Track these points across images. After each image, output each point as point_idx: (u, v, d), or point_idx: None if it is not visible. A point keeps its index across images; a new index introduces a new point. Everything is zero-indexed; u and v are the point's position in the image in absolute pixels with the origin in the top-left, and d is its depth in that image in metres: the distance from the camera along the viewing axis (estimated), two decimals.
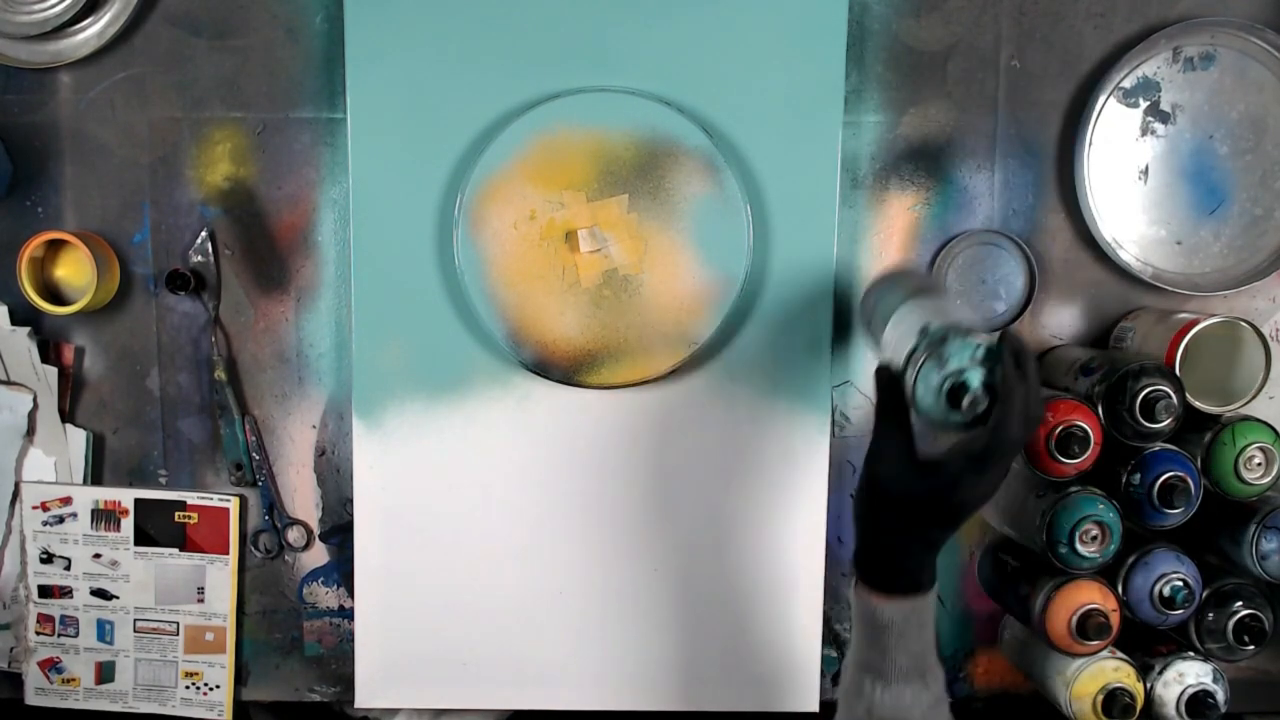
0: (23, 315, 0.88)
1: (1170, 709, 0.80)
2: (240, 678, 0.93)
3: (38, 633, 0.91)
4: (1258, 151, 0.87)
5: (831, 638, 0.92)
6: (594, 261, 0.83)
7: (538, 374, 0.84)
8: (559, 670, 0.89)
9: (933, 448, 0.64)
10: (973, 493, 0.63)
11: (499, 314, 0.84)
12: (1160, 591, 0.78)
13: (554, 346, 0.84)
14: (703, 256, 0.82)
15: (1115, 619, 0.78)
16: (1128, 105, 0.87)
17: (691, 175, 0.83)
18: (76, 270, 0.87)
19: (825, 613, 0.90)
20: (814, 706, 0.89)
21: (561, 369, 0.84)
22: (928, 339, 0.64)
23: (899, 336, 0.68)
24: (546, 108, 0.82)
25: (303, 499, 0.92)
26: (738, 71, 0.84)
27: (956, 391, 0.61)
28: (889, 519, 0.65)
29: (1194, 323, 0.79)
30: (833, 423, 0.89)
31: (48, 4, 0.85)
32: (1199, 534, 0.82)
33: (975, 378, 0.61)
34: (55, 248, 0.87)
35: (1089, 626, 0.77)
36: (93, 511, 0.90)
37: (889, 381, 0.67)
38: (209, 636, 0.92)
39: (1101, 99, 0.86)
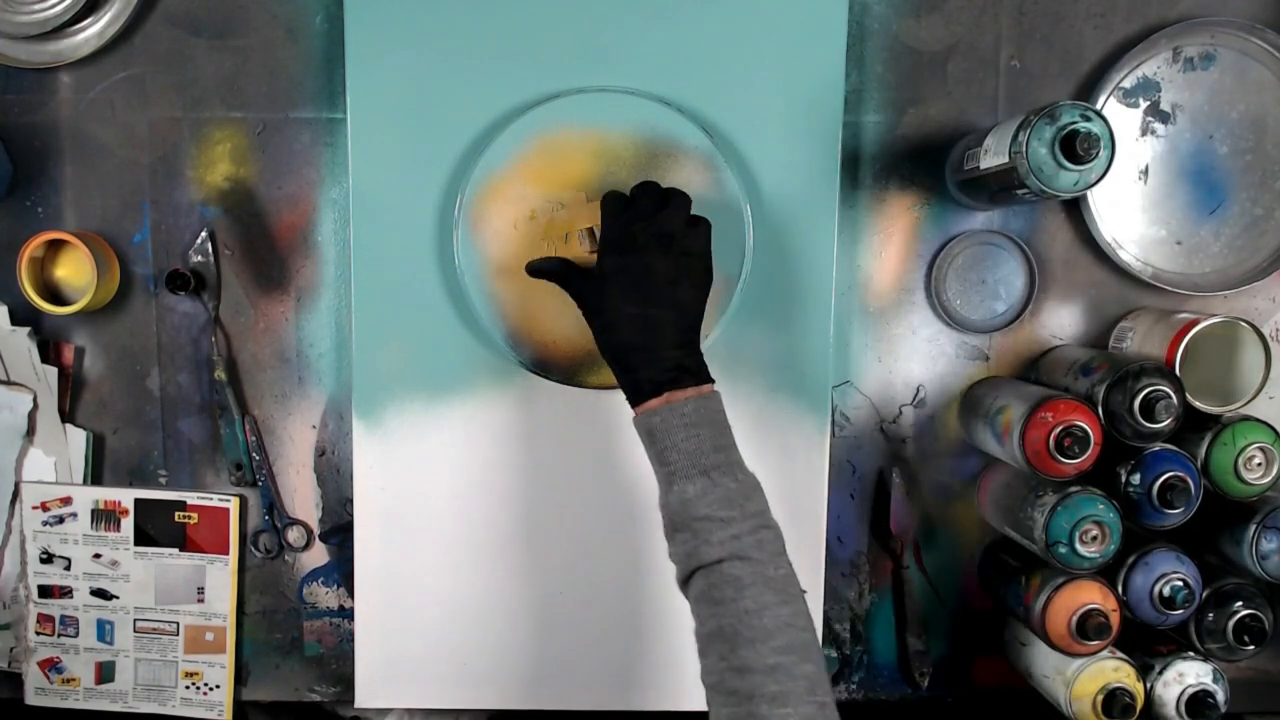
0: (23, 315, 0.88)
1: (1170, 709, 0.80)
2: (240, 678, 0.93)
3: (38, 633, 0.91)
4: (1258, 151, 0.87)
5: (831, 638, 0.92)
6: (594, 262, 0.83)
7: (538, 374, 0.84)
8: (559, 670, 0.89)
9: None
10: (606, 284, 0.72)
11: (499, 314, 0.84)
12: (1160, 591, 0.78)
13: (554, 347, 0.84)
14: None
15: (1115, 619, 0.78)
16: (1128, 105, 0.87)
17: (691, 175, 0.83)
18: (76, 270, 0.88)
19: (825, 613, 0.91)
20: None
21: (561, 369, 0.84)
22: (1039, 108, 0.73)
23: (1003, 131, 0.76)
24: (547, 108, 0.82)
25: (303, 499, 0.92)
26: (738, 71, 0.84)
27: (1070, 139, 0.71)
28: (605, 339, 0.73)
29: (1194, 323, 0.79)
30: (833, 423, 0.89)
31: (48, 4, 0.85)
32: (1199, 534, 0.82)
33: (1087, 125, 0.71)
34: (55, 248, 0.87)
35: (1089, 626, 0.77)
36: (93, 511, 0.90)
37: (617, 205, 0.76)
38: (209, 636, 0.92)
39: (1101, 99, 0.86)
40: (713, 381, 0.71)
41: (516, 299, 0.84)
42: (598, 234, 0.82)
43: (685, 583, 0.68)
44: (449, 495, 0.87)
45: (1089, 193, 0.85)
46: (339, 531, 0.92)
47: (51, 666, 0.92)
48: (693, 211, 0.75)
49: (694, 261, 0.73)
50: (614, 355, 0.72)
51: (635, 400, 0.71)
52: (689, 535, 0.66)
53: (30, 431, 0.89)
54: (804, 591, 0.67)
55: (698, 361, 0.71)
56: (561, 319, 0.84)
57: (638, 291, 0.71)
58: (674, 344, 0.70)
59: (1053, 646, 0.80)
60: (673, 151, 0.83)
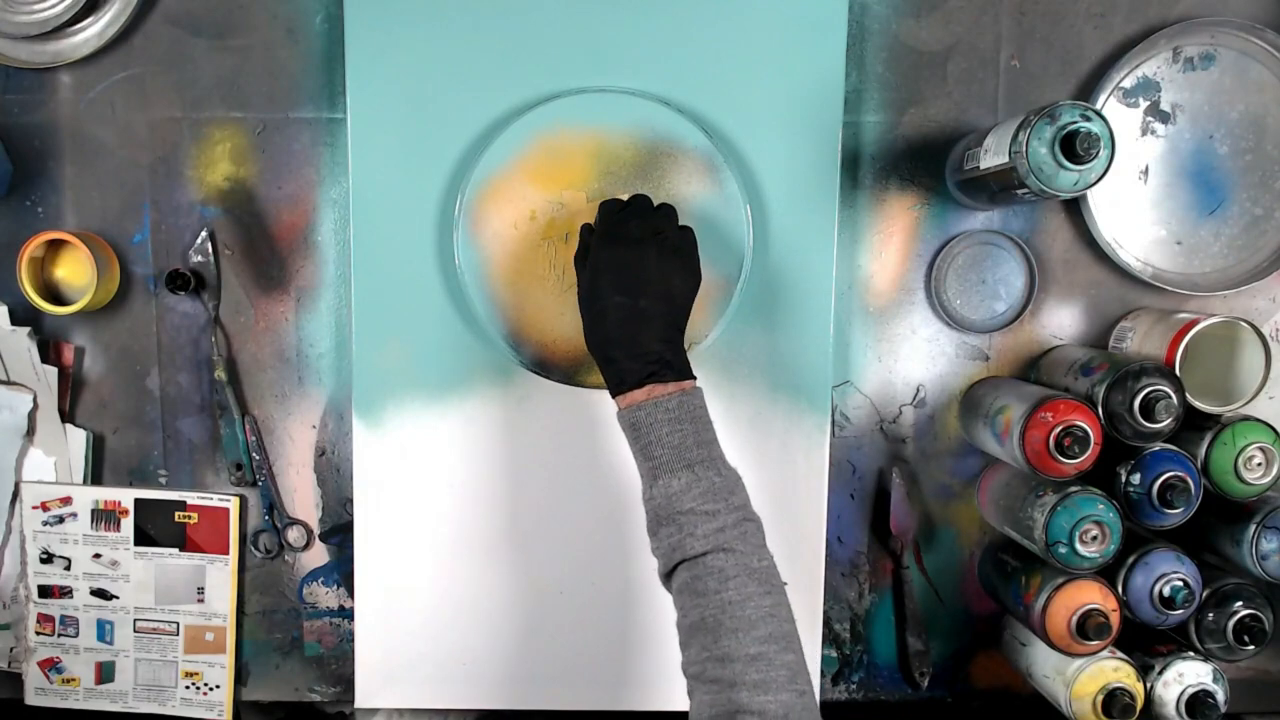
0: (23, 315, 0.88)
1: (1170, 709, 0.80)
2: (240, 678, 0.93)
3: (38, 633, 0.91)
4: (1258, 151, 0.87)
5: (831, 638, 0.92)
6: None
7: (538, 374, 0.84)
8: (558, 670, 0.89)
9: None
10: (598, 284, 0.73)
11: (499, 314, 0.84)
12: (1160, 591, 0.78)
13: (554, 347, 0.84)
14: (703, 257, 0.82)
15: (1115, 619, 0.78)
16: (1128, 105, 0.87)
17: (692, 176, 0.83)
18: (76, 270, 0.87)
19: (825, 613, 0.91)
20: None
21: (562, 369, 0.84)
22: (1039, 108, 0.73)
23: (1003, 131, 0.76)
24: (547, 107, 0.82)
25: (303, 499, 0.92)
26: (738, 71, 0.84)
27: (1070, 139, 0.71)
28: (593, 330, 0.73)
29: (1194, 323, 0.79)
30: (833, 423, 0.89)
31: (48, 4, 0.85)
32: (1199, 534, 0.82)
33: (1086, 125, 0.71)
34: (55, 248, 0.87)
35: (1089, 626, 0.77)
36: (93, 511, 0.90)
37: (613, 205, 0.77)
38: (209, 636, 0.92)
39: (1101, 99, 0.86)
40: (694, 378, 0.72)
41: (516, 299, 0.84)
42: None
43: (668, 575, 0.69)
44: (449, 495, 0.87)
45: (1089, 193, 0.85)
46: (339, 531, 0.92)
47: (51, 666, 0.92)
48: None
49: (684, 260, 0.75)
50: (599, 346, 0.73)
51: (617, 391, 0.71)
52: (674, 529, 0.67)
53: (30, 431, 0.89)
54: (785, 584, 0.67)
55: (681, 357, 0.72)
56: (561, 319, 0.84)
57: (628, 282, 0.72)
58: (659, 338, 0.71)
59: (1053, 646, 0.80)
60: (673, 152, 0.83)
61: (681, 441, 0.68)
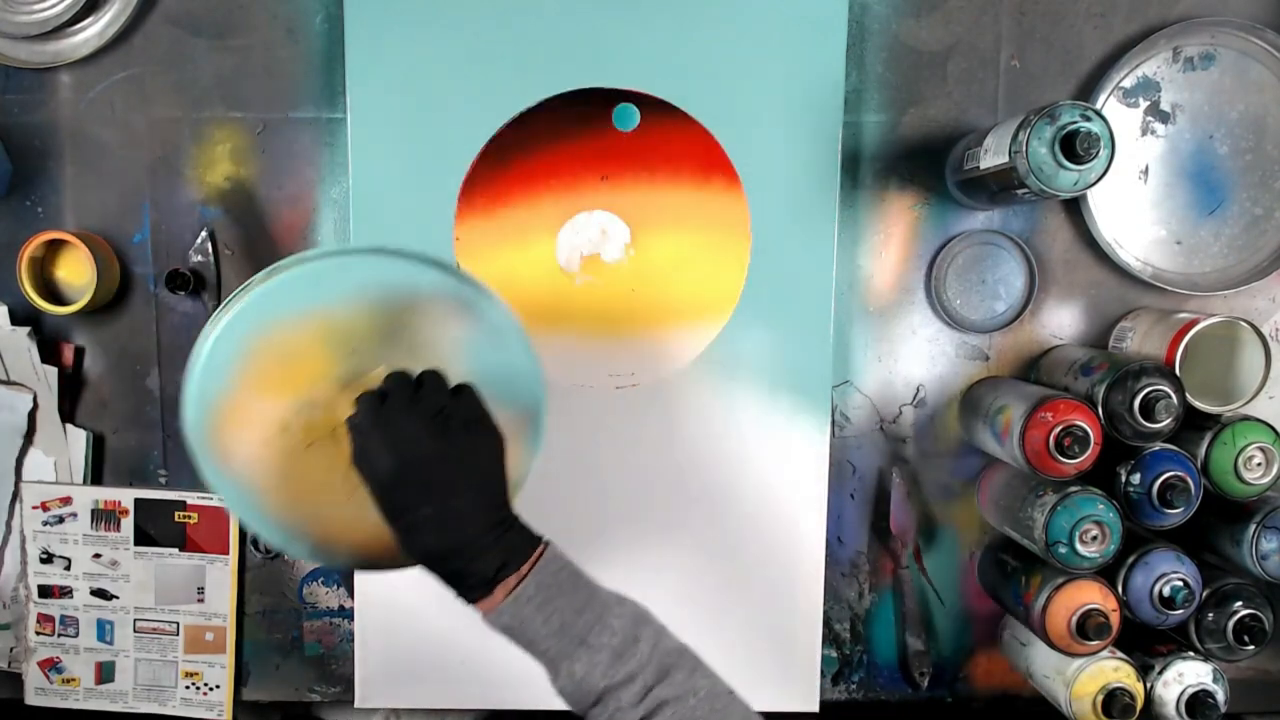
0: (23, 315, 0.88)
1: (1170, 709, 0.80)
2: (240, 678, 0.93)
3: (38, 633, 0.91)
4: (1258, 151, 0.87)
5: (831, 638, 0.92)
6: None
7: (369, 572, 0.72)
8: None
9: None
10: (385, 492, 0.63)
11: (292, 539, 0.69)
12: (1160, 591, 0.78)
13: (371, 546, 0.68)
14: (495, 396, 0.67)
15: (1115, 619, 0.78)
16: (1128, 105, 0.87)
17: (444, 319, 0.68)
18: (76, 270, 0.88)
19: (825, 613, 0.91)
20: (814, 706, 0.89)
21: (388, 563, 0.69)
22: (1039, 108, 0.73)
23: (1003, 130, 0.76)
24: (240, 310, 0.65)
25: None
26: (737, 71, 0.84)
27: (1070, 139, 0.71)
28: (409, 545, 0.64)
29: (1194, 323, 0.79)
30: (833, 423, 0.89)
31: (48, 4, 0.85)
32: (1199, 534, 0.82)
33: (1086, 125, 0.71)
34: (55, 248, 0.87)
35: (1089, 626, 0.77)
36: (93, 511, 0.90)
37: (372, 404, 0.64)
38: (209, 636, 0.92)
39: (1101, 99, 0.86)
40: (540, 537, 0.64)
41: (304, 517, 0.68)
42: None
43: None
44: None
45: (1089, 193, 0.85)
46: None
47: (51, 666, 0.92)
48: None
49: (478, 428, 0.65)
50: (424, 560, 0.64)
51: (468, 599, 0.64)
52: (600, 709, 0.62)
53: (30, 431, 0.89)
54: (730, 691, 0.64)
55: (520, 533, 0.64)
56: (364, 519, 0.66)
57: (430, 489, 0.62)
58: (487, 526, 0.63)
59: (1053, 646, 0.80)
60: (412, 302, 0.67)
61: (561, 622, 0.62)
